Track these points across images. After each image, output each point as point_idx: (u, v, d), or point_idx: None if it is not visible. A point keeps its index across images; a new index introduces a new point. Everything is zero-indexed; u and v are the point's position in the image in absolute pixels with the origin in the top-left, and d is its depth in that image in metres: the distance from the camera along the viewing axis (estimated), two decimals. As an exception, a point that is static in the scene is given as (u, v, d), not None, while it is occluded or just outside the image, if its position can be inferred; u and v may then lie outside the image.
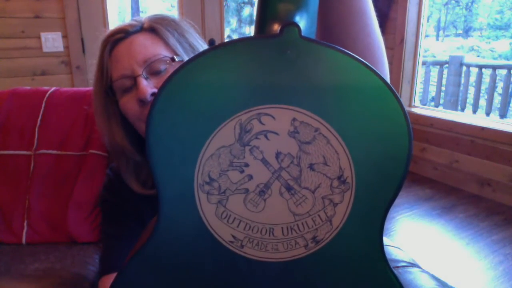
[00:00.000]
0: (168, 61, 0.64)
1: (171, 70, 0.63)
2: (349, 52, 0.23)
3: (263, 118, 0.22)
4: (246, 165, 0.23)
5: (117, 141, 0.67)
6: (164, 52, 0.64)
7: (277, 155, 0.23)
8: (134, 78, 0.62)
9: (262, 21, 0.26)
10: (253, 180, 0.23)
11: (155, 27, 0.65)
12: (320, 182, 0.23)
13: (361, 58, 0.29)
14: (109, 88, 0.66)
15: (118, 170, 0.73)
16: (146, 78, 0.62)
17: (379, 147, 0.23)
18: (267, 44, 0.22)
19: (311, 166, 0.23)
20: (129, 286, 0.29)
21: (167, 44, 0.65)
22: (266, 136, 0.22)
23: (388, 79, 0.40)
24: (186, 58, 0.64)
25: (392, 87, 0.23)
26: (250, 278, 0.25)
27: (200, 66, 0.22)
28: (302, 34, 0.22)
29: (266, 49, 0.22)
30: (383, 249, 0.25)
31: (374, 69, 0.23)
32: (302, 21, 0.26)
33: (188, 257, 0.26)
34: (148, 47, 0.63)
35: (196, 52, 0.66)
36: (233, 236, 0.24)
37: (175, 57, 0.64)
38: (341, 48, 0.23)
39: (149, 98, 0.60)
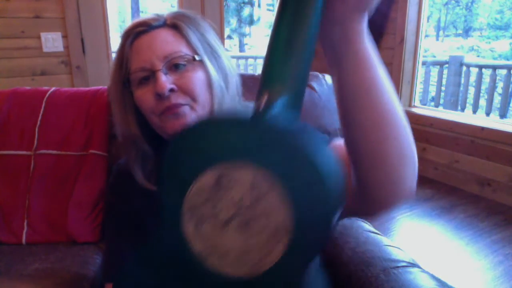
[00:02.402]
0: (188, 59, 0.64)
1: (190, 68, 0.64)
2: (306, 145, 0.28)
3: (232, 171, 0.29)
4: (220, 200, 0.30)
5: (130, 130, 0.68)
6: (185, 50, 0.65)
7: (240, 200, 0.29)
8: (153, 72, 0.63)
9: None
10: (223, 212, 0.30)
11: (178, 24, 0.66)
12: (268, 224, 0.29)
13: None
14: (127, 79, 0.66)
15: (124, 165, 0.74)
16: (165, 74, 0.63)
17: (315, 204, 0.29)
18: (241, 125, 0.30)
19: (262, 213, 0.29)
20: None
21: (188, 42, 0.65)
22: (233, 184, 0.29)
23: (406, 147, 0.42)
24: (205, 58, 0.66)
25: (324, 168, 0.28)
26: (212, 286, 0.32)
27: (196, 132, 0.31)
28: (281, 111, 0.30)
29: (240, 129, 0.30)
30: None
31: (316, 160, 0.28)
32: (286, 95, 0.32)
33: (169, 262, 0.34)
34: (170, 43, 0.64)
35: (214, 53, 0.68)
36: (202, 249, 0.31)
37: (195, 56, 0.65)
38: (301, 139, 0.29)
39: (166, 93, 0.61)
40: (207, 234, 0.31)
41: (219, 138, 0.30)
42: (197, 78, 0.64)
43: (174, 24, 0.66)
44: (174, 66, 0.64)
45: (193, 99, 0.64)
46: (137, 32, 0.66)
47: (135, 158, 0.70)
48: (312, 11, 0.32)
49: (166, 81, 0.62)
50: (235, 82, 0.70)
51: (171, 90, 0.62)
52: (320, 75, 1.20)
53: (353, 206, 0.50)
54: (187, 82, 0.63)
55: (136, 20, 0.67)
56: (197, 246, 0.31)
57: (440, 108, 4.42)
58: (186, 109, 0.63)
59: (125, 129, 0.69)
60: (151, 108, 0.64)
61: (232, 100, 0.69)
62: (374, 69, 0.39)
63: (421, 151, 2.84)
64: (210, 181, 0.30)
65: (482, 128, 2.47)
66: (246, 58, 5.31)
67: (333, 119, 1.13)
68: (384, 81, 0.40)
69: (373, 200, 0.45)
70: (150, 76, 0.64)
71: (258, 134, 0.29)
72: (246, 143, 0.29)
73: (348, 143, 0.43)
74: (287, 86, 0.32)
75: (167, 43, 0.64)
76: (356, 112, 0.40)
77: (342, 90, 0.40)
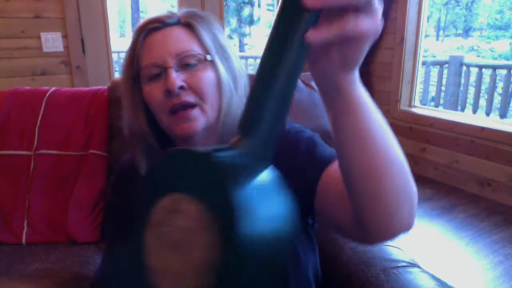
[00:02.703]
0: (199, 59, 0.65)
1: (201, 67, 0.65)
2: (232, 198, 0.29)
3: (183, 200, 0.32)
4: (171, 223, 0.33)
5: (140, 126, 0.69)
6: (197, 49, 0.65)
7: (184, 228, 0.32)
8: (165, 69, 0.63)
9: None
10: (171, 236, 0.33)
11: (192, 23, 0.66)
12: (202, 256, 0.31)
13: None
14: (137, 75, 0.67)
15: (126, 163, 0.74)
16: (176, 71, 0.63)
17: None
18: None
19: (198, 245, 0.31)
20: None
21: (200, 42, 0.66)
22: (181, 213, 0.32)
23: (406, 188, 0.44)
24: (216, 58, 0.66)
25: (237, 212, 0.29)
26: None
27: (166, 160, 0.35)
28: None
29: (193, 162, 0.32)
30: None
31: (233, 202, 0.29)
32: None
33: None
34: (183, 41, 0.65)
35: (225, 53, 0.68)
36: (153, 263, 0.35)
37: (207, 56, 0.65)
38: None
39: (176, 90, 0.62)
40: (157, 250, 0.34)
41: (179, 168, 0.33)
42: (207, 77, 0.64)
43: (187, 22, 0.67)
44: (185, 65, 0.64)
45: (202, 98, 0.64)
46: (150, 29, 0.66)
47: (140, 152, 0.71)
48: (289, 74, 0.33)
49: (176, 78, 0.62)
50: (243, 83, 0.70)
51: (181, 87, 0.63)
52: (320, 75, 1.20)
53: (352, 234, 0.51)
54: (197, 81, 0.64)
55: (150, 17, 0.67)
56: (150, 259, 0.35)
57: (440, 108, 4.42)
58: (196, 112, 0.64)
59: (134, 124, 0.70)
60: (160, 105, 0.64)
61: (241, 100, 0.69)
62: (367, 113, 0.40)
63: (421, 151, 2.84)
64: (167, 205, 0.33)
65: (482, 128, 2.47)
66: (246, 58, 5.31)
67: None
68: (377, 123, 0.41)
69: (370, 231, 0.46)
70: (161, 73, 0.64)
71: (204, 173, 0.31)
72: (193, 178, 0.32)
73: (344, 179, 0.44)
74: (255, 139, 0.34)
75: (180, 41, 0.65)
76: (350, 155, 0.41)
77: (337, 132, 0.41)
